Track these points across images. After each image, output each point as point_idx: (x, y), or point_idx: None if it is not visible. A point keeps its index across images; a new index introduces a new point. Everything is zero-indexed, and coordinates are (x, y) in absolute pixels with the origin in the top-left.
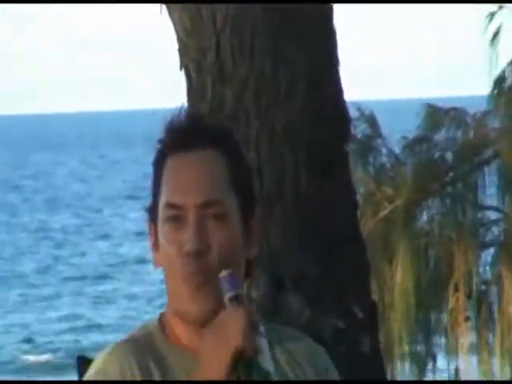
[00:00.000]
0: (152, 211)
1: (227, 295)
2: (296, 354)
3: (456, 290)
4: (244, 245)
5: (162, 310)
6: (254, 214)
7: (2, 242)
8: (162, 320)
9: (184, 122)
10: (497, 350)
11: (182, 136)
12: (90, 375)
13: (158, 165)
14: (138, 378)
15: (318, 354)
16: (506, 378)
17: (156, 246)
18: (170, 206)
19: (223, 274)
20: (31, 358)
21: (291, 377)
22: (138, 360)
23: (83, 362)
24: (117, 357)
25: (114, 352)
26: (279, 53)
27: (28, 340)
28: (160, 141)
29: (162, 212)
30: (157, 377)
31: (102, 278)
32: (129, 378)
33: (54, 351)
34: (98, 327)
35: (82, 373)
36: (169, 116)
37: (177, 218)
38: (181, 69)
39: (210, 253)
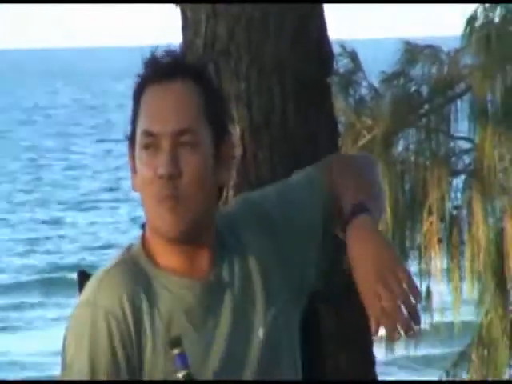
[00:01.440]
0: (131, 139)
1: (180, 373)
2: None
3: (430, 213)
4: (215, 171)
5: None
6: (225, 142)
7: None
8: (144, 243)
9: (162, 55)
10: (466, 270)
11: (159, 67)
12: (80, 304)
13: (137, 95)
14: (128, 312)
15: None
16: (474, 297)
17: (134, 170)
18: (147, 133)
19: (175, 351)
20: None
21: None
22: (127, 291)
23: (84, 278)
24: (107, 289)
25: (104, 283)
26: None
27: None
28: (139, 73)
29: (139, 139)
30: (145, 307)
31: None
32: (117, 314)
33: None
34: None
35: (82, 288)
36: (149, 51)
37: (152, 145)
38: (176, 5)
39: (183, 177)
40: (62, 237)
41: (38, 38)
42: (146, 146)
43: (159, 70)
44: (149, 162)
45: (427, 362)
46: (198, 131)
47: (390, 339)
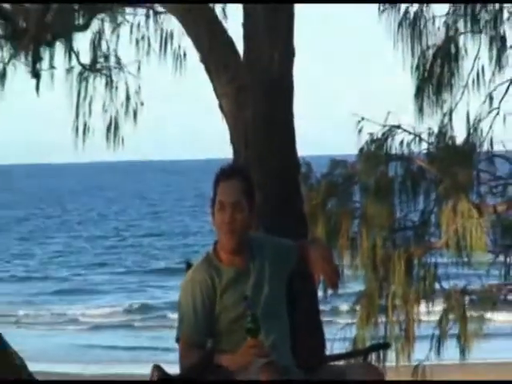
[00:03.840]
0: (212, 204)
1: (249, 311)
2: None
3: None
4: (248, 220)
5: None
6: (253, 208)
7: None
8: (214, 250)
9: (226, 166)
10: None
11: (225, 171)
12: (186, 278)
13: (215, 183)
14: (209, 283)
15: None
16: None
17: (213, 217)
18: (220, 202)
19: (246, 301)
20: None
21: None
22: (208, 272)
23: (188, 266)
24: (198, 270)
25: (197, 268)
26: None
27: None
28: (216, 173)
29: (216, 204)
30: (217, 282)
31: None
32: (203, 284)
33: None
34: None
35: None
36: (221, 164)
37: (223, 207)
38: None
39: (236, 223)
40: None
41: None
42: (220, 208)
43: (225, 173)
44: (221, 215)
45: None
46: (242, 203)
47: (330, 285)
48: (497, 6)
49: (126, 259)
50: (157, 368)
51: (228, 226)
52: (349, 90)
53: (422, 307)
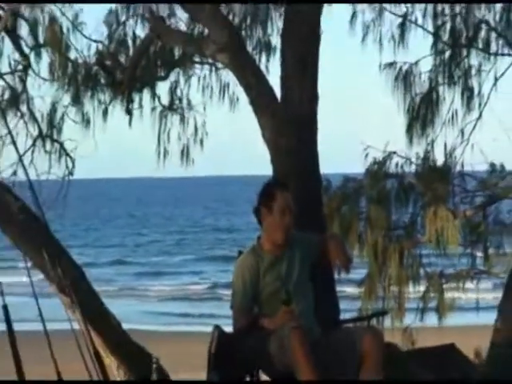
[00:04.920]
0: (266, 208)
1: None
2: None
3: None
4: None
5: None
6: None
7: None
8: (259, 241)
9: (276, 181)
10: None
11: (282, 185)
12: (237, 263)
13: (272, 193)
14: (254, 266)
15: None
16: None
17: (263, 218)
18: (284, 208)
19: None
20: None
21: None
22: (253, 258)
23: (239, 254)
24: (246, 258)
25: (245, 255)
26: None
27: None
28: (273, 185)
29: (279, 209)
30: (262, 268)
31: None
32: (249, 269)
33: None
34: None
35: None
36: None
37: (285, 212)
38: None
39: (291, 224)
40: None
41: None
42: (283, 211)
43: (282, 186)
44: (282, 218)
45: None
46: (292, 208)
47: (343, 268)
48: (466, 64)
49: (194, 249)
50: (217, 327)
51: (287, 227)
52: (358, 125)
53: (410, 286)
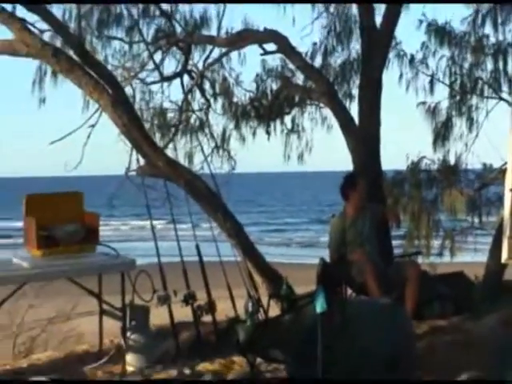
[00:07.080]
0: (353, 188)
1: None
2: None
3: None
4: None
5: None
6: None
7: None
8: (344, 209)
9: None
10: None
11: (358, 175)
12: (332, 222)
13: (356, 180)
14: (342, 224)
15: None
16: None
17: (350, 194)
18: (363, 189)
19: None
20: None
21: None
22: (341, 219)
23: (333, 216)
24: (337, 219)
25: (337, 217)
26: None
27: None
28: (355, 176)
29: (359, 188)
30: (346, 225)
31: None
32: (340, 225)
33: None
34: None
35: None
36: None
37: (363, 191)
38: None
39: (364, 197)
40: None
41: None
42: (361, 190)
43: (359, 176)
44: (361, 194)
45: None
46: (365, 188)
47: (396, 224)
48: (469, 103)
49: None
50: (321, 259)
51: (363, 199)
52: (401, 139)
53: (434, 237)
